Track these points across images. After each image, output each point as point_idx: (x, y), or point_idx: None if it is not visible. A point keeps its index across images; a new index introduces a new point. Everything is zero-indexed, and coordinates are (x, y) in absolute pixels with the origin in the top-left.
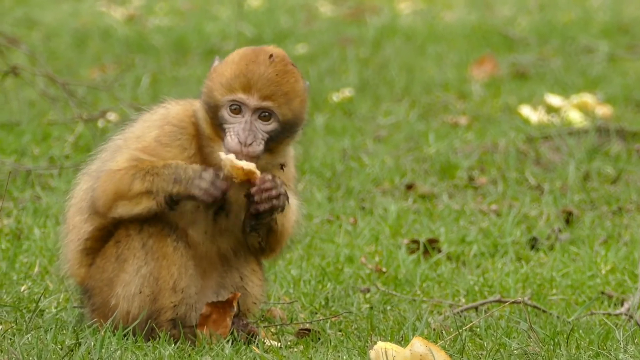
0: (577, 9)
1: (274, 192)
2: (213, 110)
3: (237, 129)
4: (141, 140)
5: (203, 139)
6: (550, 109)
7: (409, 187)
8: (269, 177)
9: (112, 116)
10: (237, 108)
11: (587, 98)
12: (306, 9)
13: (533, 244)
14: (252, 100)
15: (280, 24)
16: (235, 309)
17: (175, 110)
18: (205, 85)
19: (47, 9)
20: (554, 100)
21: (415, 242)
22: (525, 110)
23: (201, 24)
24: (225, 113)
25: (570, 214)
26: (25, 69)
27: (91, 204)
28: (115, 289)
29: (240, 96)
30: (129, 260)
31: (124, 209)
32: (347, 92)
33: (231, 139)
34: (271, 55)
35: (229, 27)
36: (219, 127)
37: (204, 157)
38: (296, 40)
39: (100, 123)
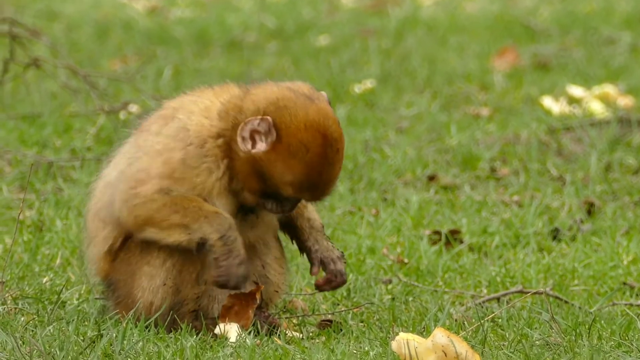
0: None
1: (340, 284)
2: (268, 183)
3: (285, 205)
4: (167, 162)
5: (235, 171)
6: (572, 100)
7: (431, 178)
8: (337, 274)
9: (133, 108)
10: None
11: (609, 89)
12: (328, 0)
13: (555, 234)
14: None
15: (302, 16)
16: (258, 300)
17: (196, 129)
18: (259, 149)
19: (68, 0)
20: (576, 91)
21: (437, 233)
22: (547, 101)
23: (223, 15)
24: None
25: (592, 204)
26: (46, 60)
27: (117, 221)
28: (139, 281)
29: (305, 195)
30: (153, 252)
31: (152, 235)
32: (368, 84)
33: (274, 208)
34: (338, 150)
35: (250, 19)
36: (261, 185)
37: (232, 184)
38: (318, 31)
39: (122, 115)
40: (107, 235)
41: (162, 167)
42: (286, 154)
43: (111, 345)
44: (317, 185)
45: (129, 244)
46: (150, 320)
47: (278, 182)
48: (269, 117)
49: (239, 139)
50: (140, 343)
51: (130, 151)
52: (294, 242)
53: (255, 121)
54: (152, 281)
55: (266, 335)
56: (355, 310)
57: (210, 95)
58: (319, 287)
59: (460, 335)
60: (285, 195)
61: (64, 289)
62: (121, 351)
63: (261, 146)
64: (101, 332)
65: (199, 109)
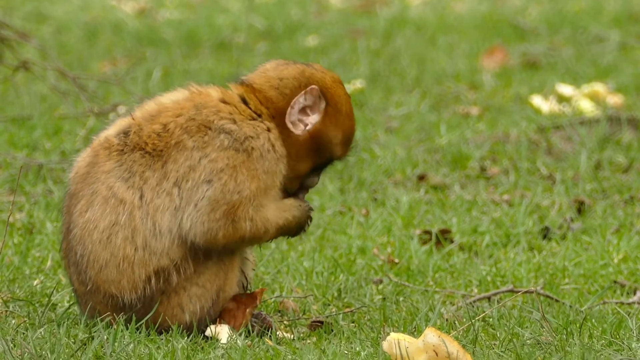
0: None
1: None
2: (322, 153)
3: (312, 182)
4: (253, 178)
5: (289, 161)
6: (562, 99)
7: (421, 177)
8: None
9: (123, 110)
10: None
11: (598, 87)
12: (316, 1)
13: (545, 233)
14: None
15: (291, 16)
16: (259, 302)
17: (263, 134)
18: (312, 122)
19: (57, 3)
20: (565, 89)
21: (428, 232)
22: (537, 100)
23: (212, 16)
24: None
25: (582, 203)
26: (36, 63)
27: (177, 246)
28: (181, 299)
29: (348, 150)
30: (204, 273)
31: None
32: (358, 84)
33: (315, 182)
34: None
35: (239, 20)
36: (315, 160)
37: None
38: (307, 32)
39: (112, 117)
40: (145, 261)
41: (251, 183)
42: (335, 113)
43: (102, 347)
44: (354, 135)
45: (173, 267)
46: (140, 323)
47: (333, 145)
48: (314, 86)
49: (290, 125)
50: (132, 345)
51: (176, 174)
52: None
53: (300, 98)
54: (198, 302)
55: (257, 336)
56: (347, 311)
57: (218, 97)
58: None
59: (451, 334)
60: (335, 158)
61: (54, 292)
62: (112, 353)
63: (314, 118)
64: (92, 334)
65: (232, 112)
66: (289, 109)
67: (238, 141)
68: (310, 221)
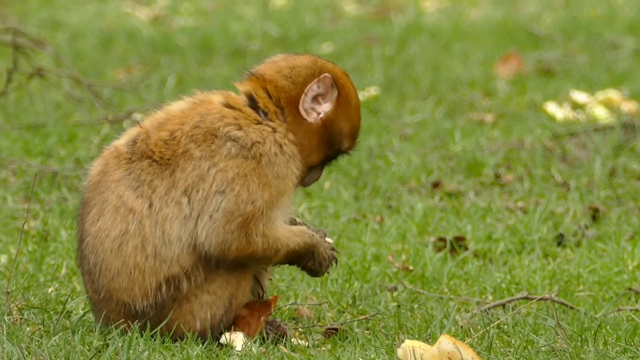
0: (602, 5)
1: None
2: (332, 143)
3: (318, 173)
4: (264, 186)
5: (302, 155)
6: (576, 106)
7: (436, 185)
8: None
9: (138, 117)
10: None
11: (613, 94)
12: (331, 8)
13: (560, 240)
14: None
15: (306, 23)
16: (272, 310)
17: (269, 138)
18: (325, 110)
19: (72, 10)
20: (580, 96)
21: (442, 240)
22: (551, 107)
23: (226, 24)
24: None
25: (596, 210)
26: (50, 70)
27: (187, 255)
28: (192, 306)
29: (354, 143)
30: (215, 281)
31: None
32: (372, 91)
33: (310, 180)
34: None
35: (254, 27)
36: (326, 152)
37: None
38: (321, 39)
39: (126, 124)
40: (155, 269)
41: (262, 191)
42: (346, 103)
43: (117, 354)
44: (360, 129)
45: (184, 274)
46: (155, 330)
47: (343, 136)
48: (327, 74)
49: (303, 112)
50: (146, 352)
51: (185, 183)
52: None
53: (313, 85)
54: (205, 308)
55: (272, 343)
56: (362, 319)
57: (222, 102)
58: None
59: (466, 342)
60: (343, 151)
61: (69, 299)
62: None
63: (326, 106)
64: (107, 341)
65: (237, 117)
66: (303, 95)
67: (245, 148)
68: (336, 262)
